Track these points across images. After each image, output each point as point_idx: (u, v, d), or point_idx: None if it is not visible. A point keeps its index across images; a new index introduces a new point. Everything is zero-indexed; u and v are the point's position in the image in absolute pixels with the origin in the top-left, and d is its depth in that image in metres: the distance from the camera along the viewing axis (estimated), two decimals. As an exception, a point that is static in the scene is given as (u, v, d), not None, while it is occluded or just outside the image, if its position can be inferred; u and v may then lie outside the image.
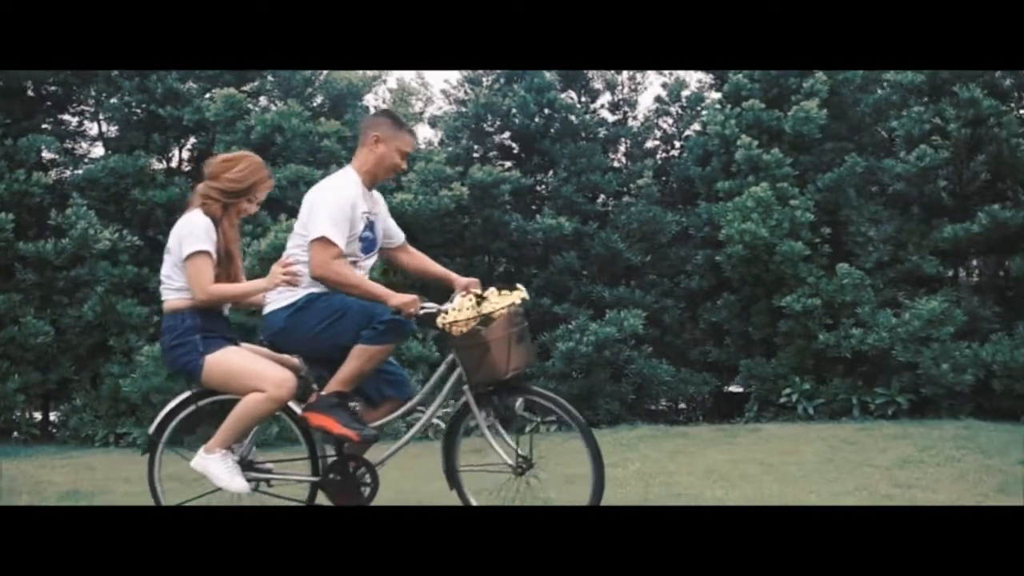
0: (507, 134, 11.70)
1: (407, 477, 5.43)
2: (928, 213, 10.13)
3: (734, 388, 10.90)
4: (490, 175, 10.36)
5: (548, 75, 11.16)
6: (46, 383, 10.07)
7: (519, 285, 3.90)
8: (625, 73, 12.03)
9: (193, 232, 3.78)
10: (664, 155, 12.32)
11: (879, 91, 10.50)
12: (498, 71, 11.65)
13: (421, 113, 13.85)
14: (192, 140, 11.36)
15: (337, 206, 3.78)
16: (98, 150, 11.42)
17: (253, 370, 3.75)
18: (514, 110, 11.23)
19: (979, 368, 9.11)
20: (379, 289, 3.80)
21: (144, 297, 10.13)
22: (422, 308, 3.76)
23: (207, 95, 10.90)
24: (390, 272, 7.61)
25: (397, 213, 7.27)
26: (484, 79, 12.04)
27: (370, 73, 11.79)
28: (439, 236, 10.11)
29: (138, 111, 10.84)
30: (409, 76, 18.43)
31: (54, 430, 10.64)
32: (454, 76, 12.73)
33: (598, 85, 12.02)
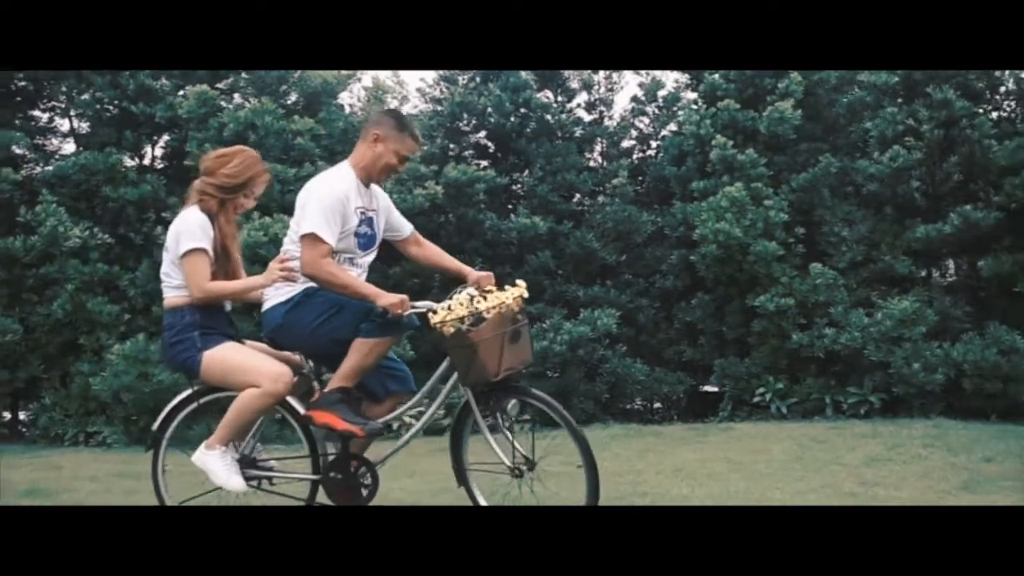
0: (483, 133, 11.69)
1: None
2: (901, 213, 10.18)
3: (708, 388, 10.91)
4: (465, 174, 10.34)
5: (524, 74, 11.16)
6: (15, 381, 9.95)
7: (519, 282, 3.84)
8: (601, 73, 12.03)
9: (189, 229, 3.76)
10: (640, 155, 12.32)
11: (853, 92, 10.55)
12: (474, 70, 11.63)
13: (397, 112, 13.75)
14: (165, 137, 11.25)
15: (327, 202, 3.73)
16: (69, 146, 11.31)
17: (249, 365, 3.73)
18: (490, 109, 11.21)
19: (950, 368, 9.16)
20: (368, 289, 3.74)
21: (115, 295, 10.03)
22: (412, 307, 3.70)
23: (180, 92, 10.82)
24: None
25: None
26: (460, 78, 12.02)
27: (345, 71, 11.72)
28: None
29: (110, 107, 10.73)
30: (385, 74, 18.33)
31: (23, 429, 10.54)
32: (430, 75, 12.70)
33: (574, 84, 12.01)
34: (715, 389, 10.71)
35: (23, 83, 11.01)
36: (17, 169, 10.28)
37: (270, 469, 4.01)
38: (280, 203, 9.45)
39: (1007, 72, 10.26)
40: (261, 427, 4.04)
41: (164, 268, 3.85)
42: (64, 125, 11.45)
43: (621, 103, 32.47)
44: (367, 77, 18.28)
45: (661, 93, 12.08)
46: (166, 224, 10.13)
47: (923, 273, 10.37)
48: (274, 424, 7.59)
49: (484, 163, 11.55)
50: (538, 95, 11.44)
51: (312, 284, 3.77)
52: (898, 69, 9.75)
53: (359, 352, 3.72)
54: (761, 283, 9.86)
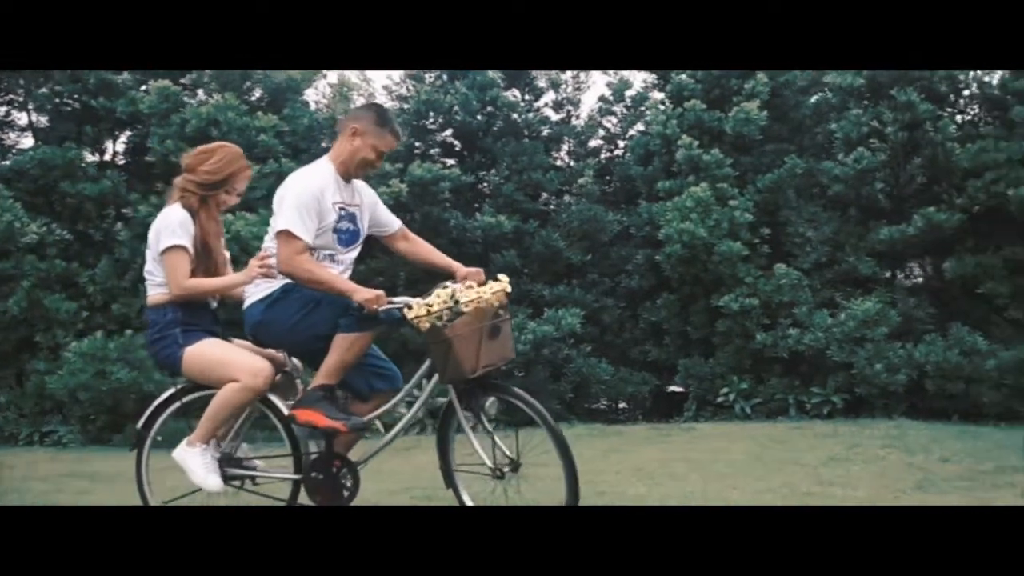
0: (449, 131, 11.63)
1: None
2: (865, 215, 10.24)
3: (674, 388, 10.91)
4: (430, 172, 10.27)
5: (491, 73, 11.10)
6: (-32, 380, 9.78)
7: (501, 276, 3.72)
8: (569, 72, 11.99)
9: (169, 227, 3.72)
10: (608, 154, 12.31)
11: (822, 93, 10.61)
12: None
13: (363, 109, 13.66)
14: (127, 133, 11.09)
15: (302, 198, 3.66)
16: (27, 141, 11.14)
17: (228, 360, 3.69)
18: (456, 107, 11.15)
19: (912, 368, 9.22)
20: (344, 284, 3.67)
21: (73, 292, 9.88)
22: (389, 303, 3.63)
23: (142, 87, 10.66)
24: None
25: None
26: (427, 76, 11.93)
27: (309, 68, 11.62)
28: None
29: (70, 102, 10.57)
30: (351, 71, 18.22)
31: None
32: (396, 72, 12.60)
33: (542, 83, 11.97)
34: (680, 389, 10.72)
35: (-22, 76, 10.82)
36: (-28, 163, 10.12)
37: (253, 469, 3.95)
38: (243, 200, 9.31)
39: (970, 76, 10.36)
40: (245, 426, 3.99)
41: (147, 266, 3.82)
42: (22, 119, 11.28)
43: (589, 102, 32.41)
44: (332, 74, 18.14)
45: (629, 93, 12.07)
46: (126, 220, 10.00)
47: (887, 274, 10.44)
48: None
49: (450, 161, 11.49)
50: (505, 94, 11.39)
51: (290, 281, 3.71)
52: (864, 69, 9.79)
53: (340, 348, 3.66)
54: (726, 283, 9.87)
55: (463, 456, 3.87)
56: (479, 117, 11.14)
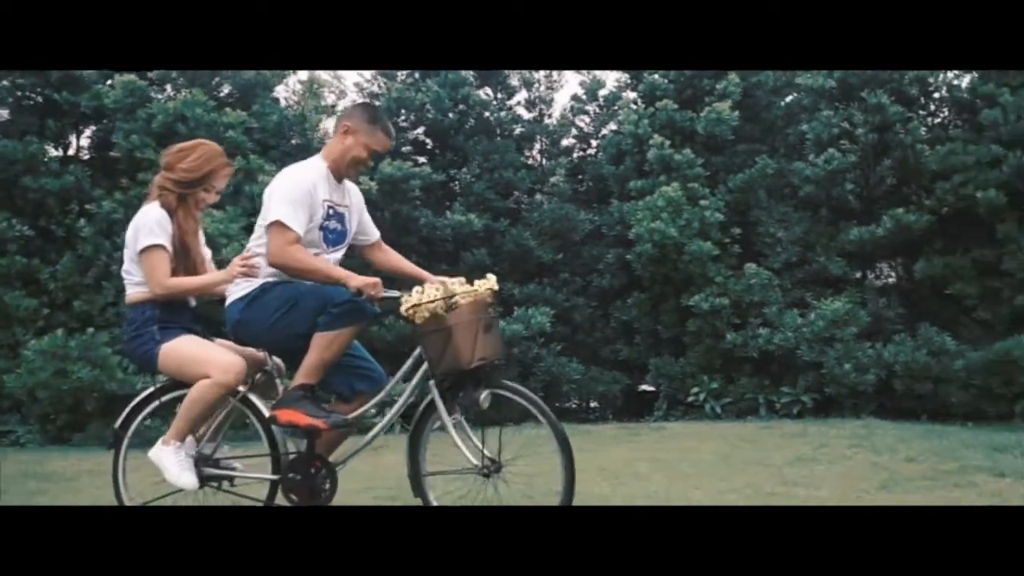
0: (421, 129, 11.54)
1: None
2: (836, 215, 10.26)
3: (645, 387, 10.88)
4: (400, 170, 10.16)
5: (463, 71, 11.02)
6: (-76, 378, 9.55)
7: (490, 275, 3.72)
8: (542, 71, 11.94)
9: (146, 225, 3.70)
10: (580, 154, 12.27)
11: (793, 94, 10.61)
12: (412, 66, 11.47)
13: (334, 106, 13.59)
14: (92, 127, 10.90)
15: (295, 192, 3.63)
16: (-13, 134, 10.87)
17: (202, 356, 3.67)
18: (428, 105, 11.07)
19: (881, 368, 9.24)
20: (339, 272, 3.64)
21: (33, 289, 9.67)
22: (385, 293, 3.58)
23: (107, 81, 10.47)
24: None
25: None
26: (398, 74, 11.84)
27: (280, 64, 11.48)
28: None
29: (32, 95, 10.37)
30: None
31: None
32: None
33: (514, 82, 11.91)
34: (651, 388, 10.69)
35: (-61, 68, 10.59)
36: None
37: (231, 469, 3.91)
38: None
39: (940, 79, 10.39)
40: (224, 426, 3.93)
41: (125, 265, 3.81)
42: (-18, 112, 11.02)
43: (561, 102, 32.45)
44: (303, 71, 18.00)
45: (602, 92, 12.04)
46: (90, 216, 9.81)
47: (857, 274, 10.46)
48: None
49: (421, 159, 11.39)
50: (477, 92, 11.32)
51: (270, 279, 3.69)
52: (835, 69, 9.80)
53: (319, 346, 3.61)
54: (696, 283, 9.85)
55: (434, 464, 3.82)
56: (451, 115, 11.07)
